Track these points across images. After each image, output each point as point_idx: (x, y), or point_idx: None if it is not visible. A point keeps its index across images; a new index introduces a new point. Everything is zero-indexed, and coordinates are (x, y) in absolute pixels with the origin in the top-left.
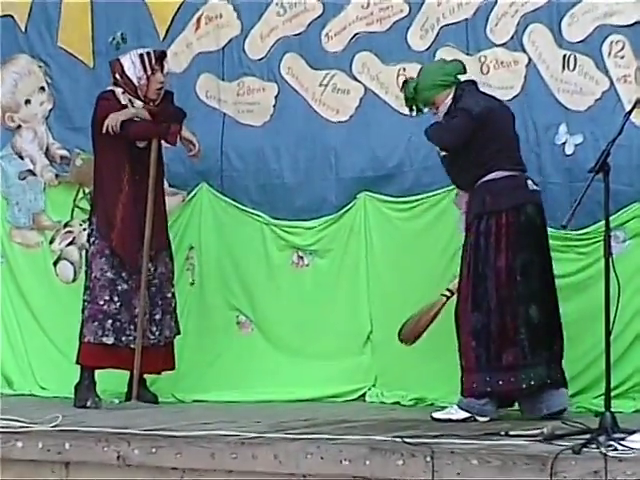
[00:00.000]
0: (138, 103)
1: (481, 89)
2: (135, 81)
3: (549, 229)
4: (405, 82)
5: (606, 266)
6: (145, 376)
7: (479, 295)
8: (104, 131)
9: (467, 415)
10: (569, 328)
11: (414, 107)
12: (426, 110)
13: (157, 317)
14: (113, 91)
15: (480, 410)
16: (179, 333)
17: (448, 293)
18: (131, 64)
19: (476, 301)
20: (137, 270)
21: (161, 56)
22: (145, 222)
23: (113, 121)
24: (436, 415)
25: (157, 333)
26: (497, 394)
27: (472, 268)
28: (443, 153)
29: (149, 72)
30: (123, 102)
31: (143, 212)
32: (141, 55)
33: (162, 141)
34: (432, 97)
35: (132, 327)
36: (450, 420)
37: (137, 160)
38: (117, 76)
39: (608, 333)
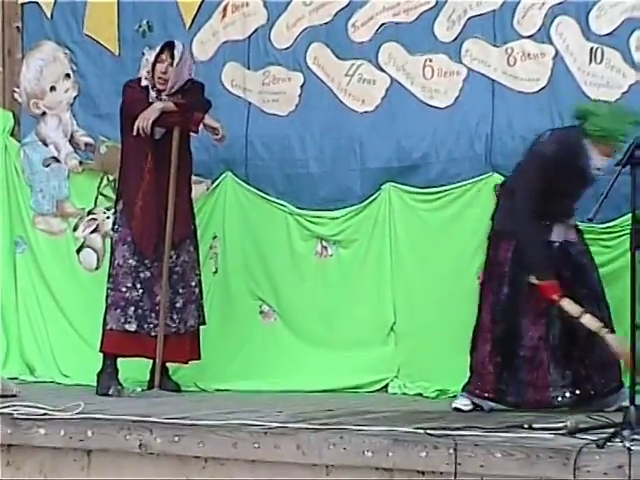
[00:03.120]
0: (152, 93)
1: (508, 81)
2: (149, 67)
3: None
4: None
5: (632, 260)
6: (168, 365)
7: None
8: (135, 133)
9: None
10: None
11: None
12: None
13: (178, 305)
14: (139, 78)
15: None
16: (204, 323)
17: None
18: (152, 51)
19: None
20: (158, 258)
21: (167, 46)
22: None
23: (144, 122)
24: None
25: (177, 321)
26: None
27: None
28: None
29: (153, 60)
30: (144, 84)
31: (165, 201)
32: (160, 44)
33: (186, 130)
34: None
35: (153, 315)
36: None
37: (160, 149)
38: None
39: (634, 326)
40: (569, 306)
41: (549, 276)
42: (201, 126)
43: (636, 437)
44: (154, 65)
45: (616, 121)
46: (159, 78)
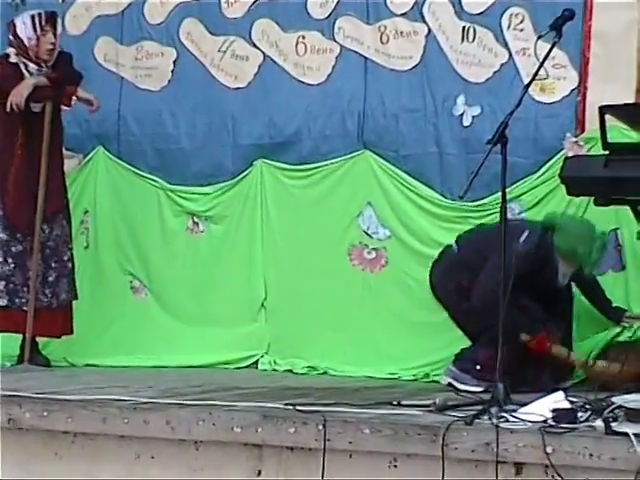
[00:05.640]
0: (32, 65)
1: (380, 59)
2: (26, 42)
3: (446, 199)
4: None
5: (502, 238)
6: (38, 339)
7: None
8: (8, 109)
9: None
10: None
11: None
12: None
13: (50, 279)
14: (6, 54)
15: None
16: (77, 297)
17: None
18: (22, 25)
19: None
20: (30, 232)
21: (51, 17)
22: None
23: (17, 98)
24: None
25: (50, 295)
26: None
27: None
28: None
29: (39, 32)
30: (13, 61)
31: (37, 175)
32: (32, 16)
33: (59, 104)
34: None
35: (25, 289)
36: None
37: (31, 124)
38: (11, 37)
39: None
40: (559, 351)
41: (537, 330)
42: (74, 99)
43: (503, 414)
44: (38, 38)
45: (584, 244)
46: (47, 50)
